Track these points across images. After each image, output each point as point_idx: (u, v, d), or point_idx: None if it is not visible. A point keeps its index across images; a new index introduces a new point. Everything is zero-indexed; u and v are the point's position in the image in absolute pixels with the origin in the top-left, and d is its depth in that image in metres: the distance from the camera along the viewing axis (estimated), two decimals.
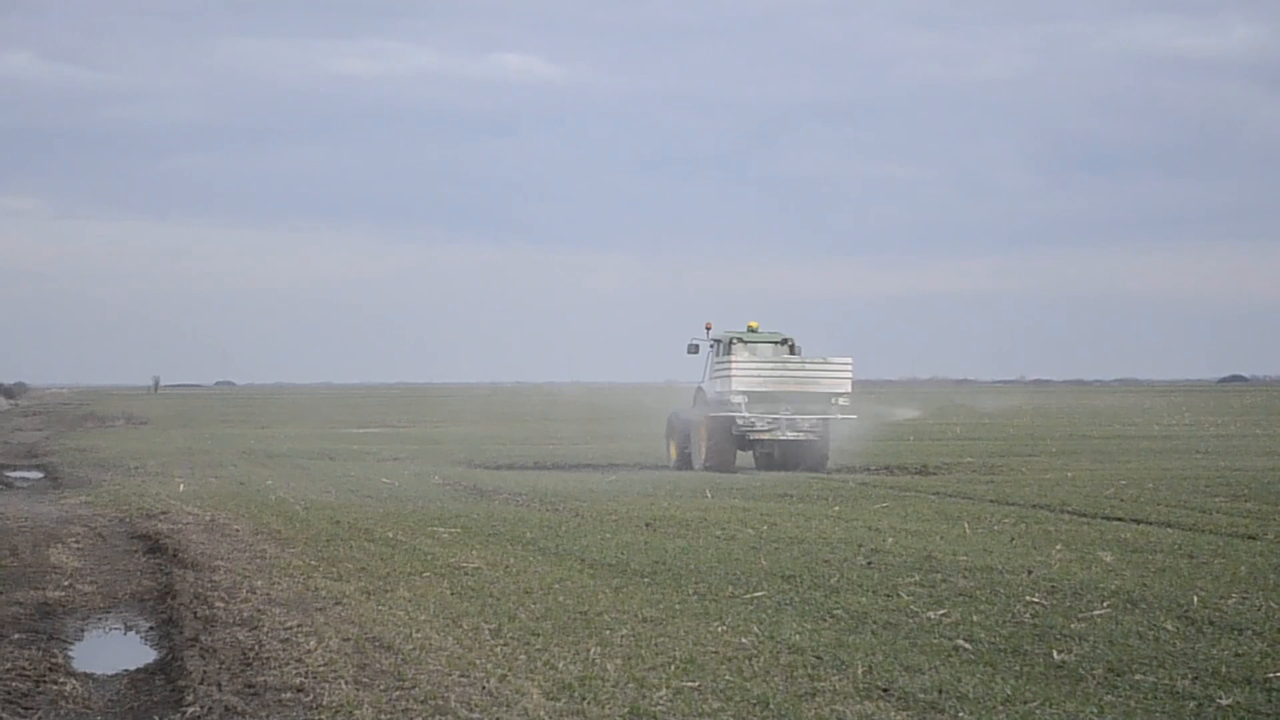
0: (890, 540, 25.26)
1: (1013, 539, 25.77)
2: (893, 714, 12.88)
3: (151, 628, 18.47)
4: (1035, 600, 18.68)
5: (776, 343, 48.62)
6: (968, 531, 27.00)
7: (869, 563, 22.34)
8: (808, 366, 47.03)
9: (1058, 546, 24.39)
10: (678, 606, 18.40)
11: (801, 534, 26.29)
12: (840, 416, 47.04)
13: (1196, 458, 50.38)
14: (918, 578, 20.72)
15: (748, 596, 19.21)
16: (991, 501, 33.79)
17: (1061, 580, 20.42)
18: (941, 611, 17.84)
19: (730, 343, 48.08)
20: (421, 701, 13.32)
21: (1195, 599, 18.74)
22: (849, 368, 47.18)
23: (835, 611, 18.01)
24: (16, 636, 17.32)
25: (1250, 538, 25.90)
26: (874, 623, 17.25)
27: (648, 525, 28.24)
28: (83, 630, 18.44)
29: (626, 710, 13.02)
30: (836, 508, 32.03)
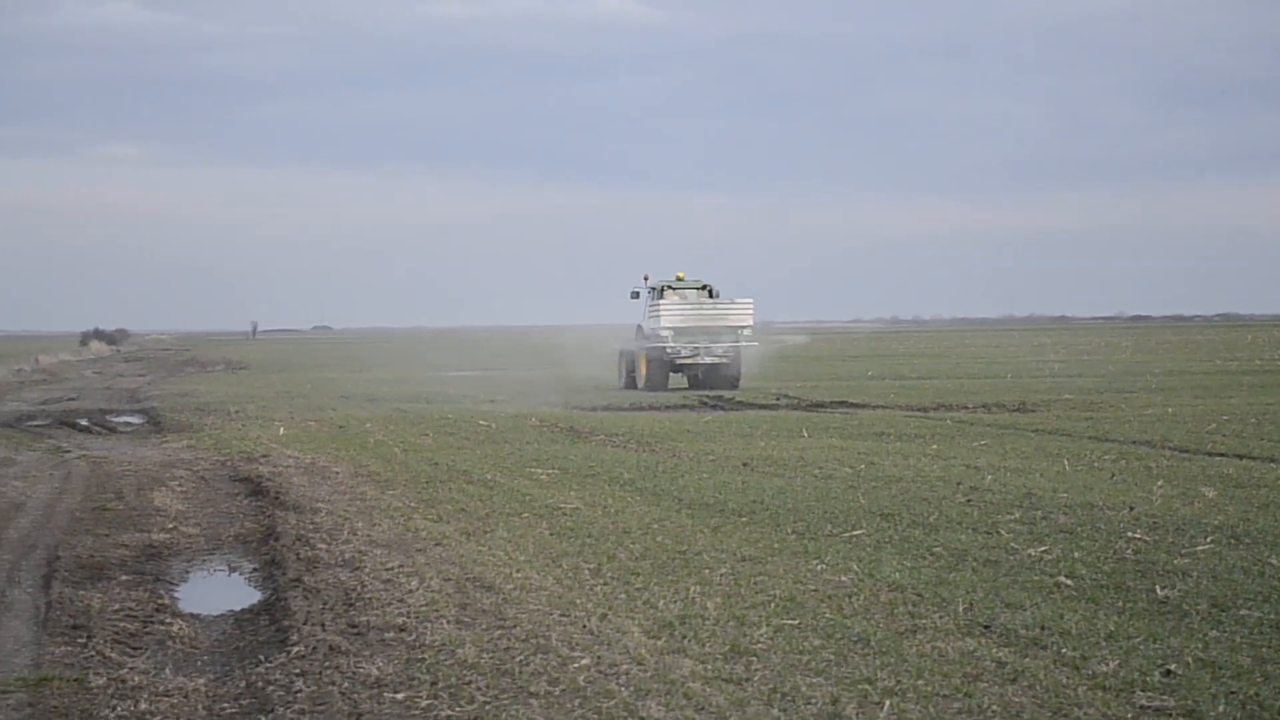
0: (989, 478, 25.13)
1: (1113, 475, 25.56)
2: (995, 650, 12.82)
3: (255, 569, 18.67)
4: (1137, 536, 18.52)
5: (698, 288, 61.16)
6: (1067, 468, 26.81)
7: (968, 500, 22.24)
8: (719, 306, 59.75)
9: (1159, 482, 24.18)
10: (776, 545, 18.40)
11: (899, 472, 26.19)
12: (744, 344, 59.10)
13: None
14: (1018, 515, 20.60)
15: (846, 535, 19.17)
16: (1091, 438, 33.52)
17: (1163, 516, 20.25)
18: (1042, 548, 17.73)
19: (662, 290, 60.83)
20: (523, 640, 13.39)
21: None
22: (750, 307, 59.94)
23: (935, 549, 17.94)
24: (124, 578, 17.57)
25: None
26: (974, 560, 17.18)
27: (745, 465, 28.23)
28: (188, 572, 18.67)
29: (727, 648, 13.03)
30: (935, 446, 31.89)
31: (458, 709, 11.41)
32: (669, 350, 58.70)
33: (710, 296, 60.68)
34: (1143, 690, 11.61)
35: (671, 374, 59.84)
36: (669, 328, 58.67)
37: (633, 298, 62.27)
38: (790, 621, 13.98)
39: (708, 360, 58.71)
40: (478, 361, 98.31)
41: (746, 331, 59.28)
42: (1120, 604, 14.71)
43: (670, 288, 60.95)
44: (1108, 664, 12.30)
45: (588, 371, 72.60)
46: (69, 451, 33.97)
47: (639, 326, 61.85)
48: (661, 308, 59.25)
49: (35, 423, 44.64)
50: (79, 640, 14.16)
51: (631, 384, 60.69)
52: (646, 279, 61.99)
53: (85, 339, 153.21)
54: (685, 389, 59.53)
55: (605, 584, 15.99)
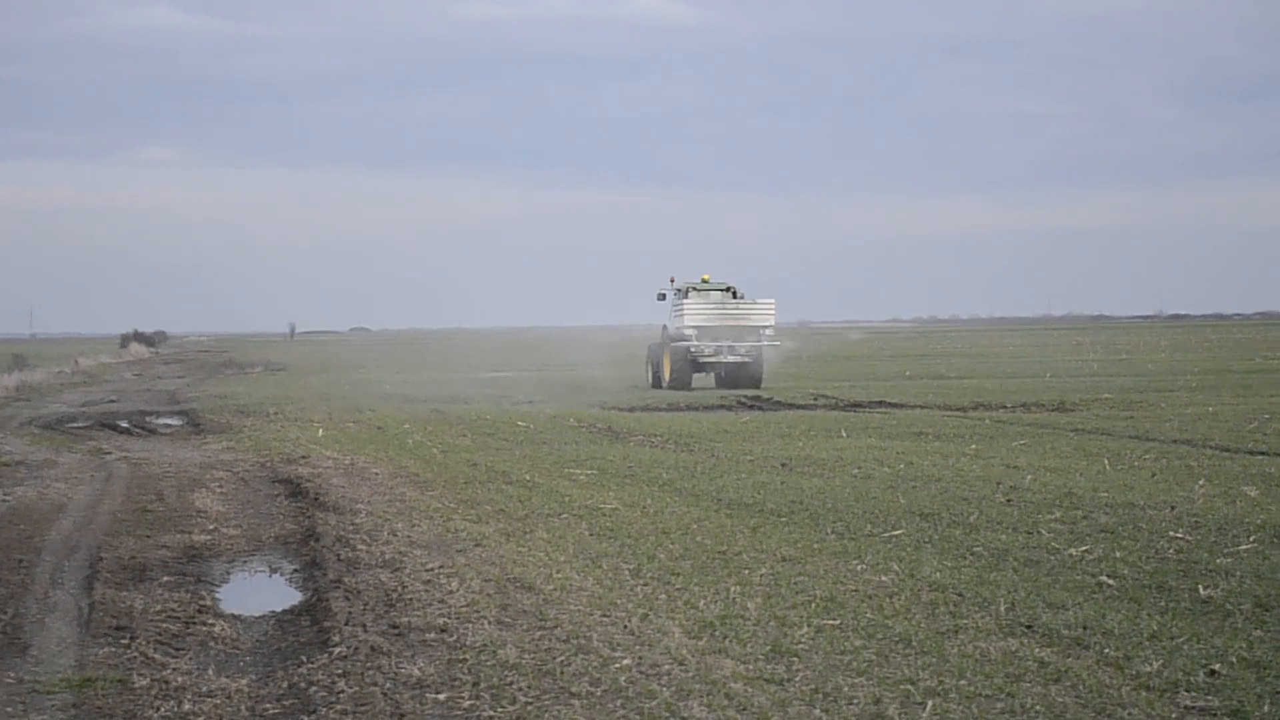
0: (1029, 477, 25.04)
1: (1154, 475, 25.46)
2: (1037, 650, 12.78)
3: (296, 570, 18.71)
4: (1179, 536, 18.44)
5: (722, 290, 62.56)
6: (1108, 468, 26.71)
7: (1008, 500, 22.17)
8: (741, 306, 61.35)
9: (1200, 482, 24.06)
10: (816, 545, 18.37)
11: (939, 472, 26.13)
12: (766, 344, 60.79)
13: None
14: (1058, 514, 20.53)
15: (886, 535, 19.13)
16: (1131, 437, 33.39)
17: (1205, 515, 20.15)
18: (1083, 548, 17.66)
19: (687, 291, 62.37)
20: (564, 641, 13.39)
21: None
22: (772, 307, 61.57)
23: (975, 549, 17.89)
24: (165, 579, 17.63)
25: None
26: (1015, 560, 17.13)
27: (783, 465, 28.20)
28: (229, 573, 18.71)
29: (768, 648, 13.02)
30: (974, 446, 31.80)
31: (500, 710, 11.42)
32: (692, 349, 60.44)
33: (734, 298, 62.30)
34: (1187, 690, 11.56)
35: (695, 373, 61.51)
36: (693, 327, 60.46)
37: (659, 299, 64.11)
38: (831, 622, 13.96)
39: (730, 359, 60.49)
40: (512, 362, 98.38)
41: (768, 331, 61.12)
42: (1163, 604, 14.64)
43: (695, 289, 62.64)
44: (1151, 664, 12.25)
45: (616, 372, 72.66)
46: (109, 453, 34.12)
47: (664, 327, 63.61)
48: (685, 308, 60.98)
49: (76, 424, 44.84)
50: (122, 641, 14.22)
51: (657, 382, 62.42)
52: (673, 281, 63.76)
53: (124, 341, 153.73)
54: (712, 388, 60.96)
55: (645, 584, 15.99)
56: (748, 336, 60.72)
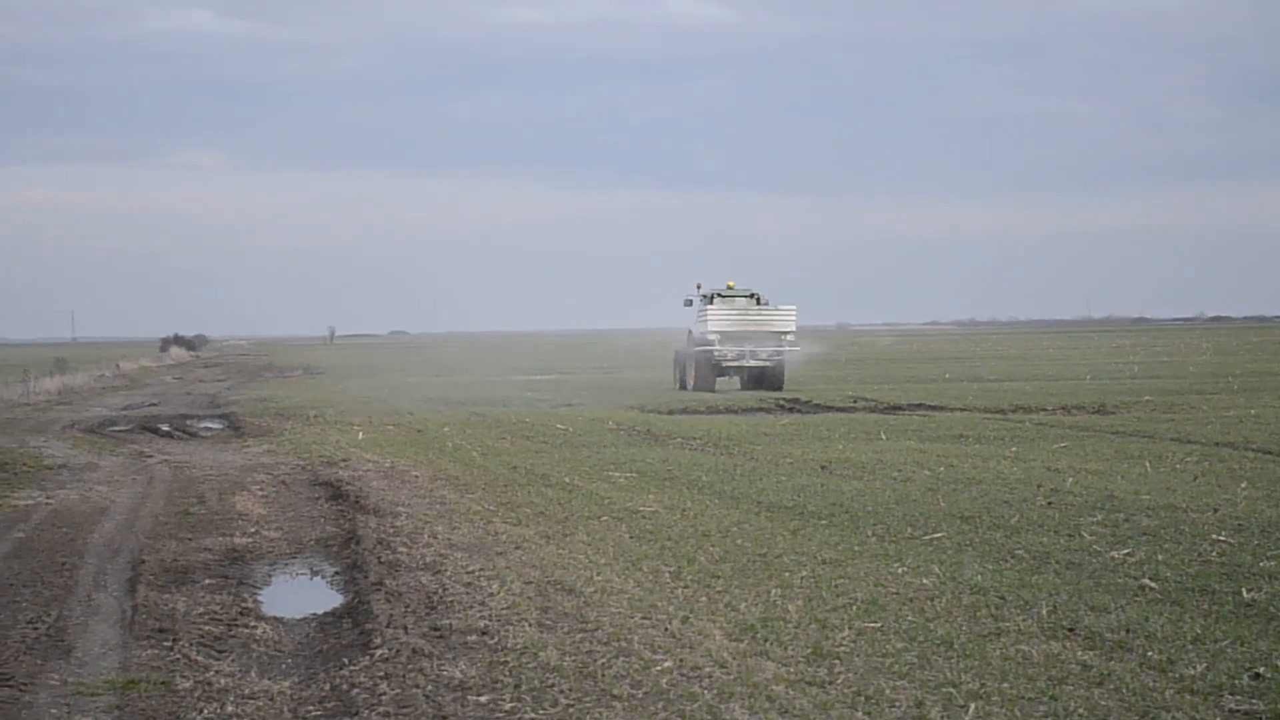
0: (1070, 480, 24.96)
1: (1196, 477, 25.34)
2: (1080, 653, 12.73)
3: (337, 572, 18.75)
4: (1222, 539, 18.36)
5: (746, 296, 63.99)
6: (1149, 470, 26.59)
7: (1049, 503, 22.10)
8: (764, 312, 62.52)
9: (1243, 484, 23.95)
10: (857, 548, 18.34)
11: (979, 475, 26.06)
12: (788, 348, 61.99)
13: None
14: (1100, 517, 20.45)
15: (927, 538, 19.09)
16: (1173, 440, 33.23)
17: (1248, 518, 20.06)
18: (1125, 551, 17.60)
19: (712, 297, 63.73)
20: (605, 643, 13.39)
21: None
22: (794, 313, 62.64)
23: (1017, 552, 17.84)
24: (207, 581, 17.70)
25: None
26: (1057, 562, 17.07)
27: (823, 468, 28.16)
28: (270, 575, 18.77)
29: (809, 651, 13.00)
30: (1014, 448, 31.71)
31: (541, 712, 11.43)
32: (716, 353, 61.81)
33: (758, 304, 63.57)
34: (1231, 694, 11.50)
35: (719, 376, 62.74)
36: (716, 332, 61.88)
37: (686, 305, 65.39)
38: (872, 624, 13.93)
39: (752, 364, 61.83)
40: (548, 364, 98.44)
41: (790, 336, 62.34)
42: (1206, 607, 14.58)
43: (720, 295, 63.93)
44: (1195, 667, 12.19)
45: (650, 375, 72.66)
46: (151, 456, 34.27)
47: (689, 331, 64.80)
48: (710, 313, 62.21)
49: (118, 428, 45.06)
50: (165, 643, 14.28)
51: (682, 385, 63.89)
52: (699, 287, 64.94)
53: (165, 345, 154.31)
54: (738, 390, 61.70)
55: (686, 587, 15.98)
56: (769, 342, 62.02)
